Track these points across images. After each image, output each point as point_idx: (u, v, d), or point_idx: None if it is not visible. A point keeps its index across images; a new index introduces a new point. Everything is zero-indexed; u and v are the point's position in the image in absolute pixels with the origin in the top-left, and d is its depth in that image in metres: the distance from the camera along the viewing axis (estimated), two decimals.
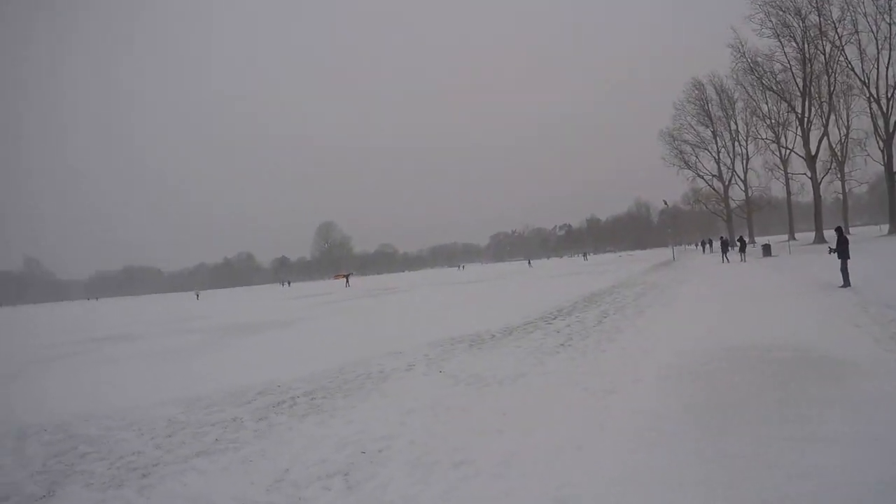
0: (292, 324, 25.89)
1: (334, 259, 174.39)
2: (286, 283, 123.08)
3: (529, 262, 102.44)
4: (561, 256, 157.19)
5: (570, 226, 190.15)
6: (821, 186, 62.02)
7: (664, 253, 72.43)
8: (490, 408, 8.50)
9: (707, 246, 71.70)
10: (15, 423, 10.14)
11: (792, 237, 70.69)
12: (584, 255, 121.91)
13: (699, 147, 79.65)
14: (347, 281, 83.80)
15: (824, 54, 58.49)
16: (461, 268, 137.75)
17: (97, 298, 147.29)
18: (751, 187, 76.63)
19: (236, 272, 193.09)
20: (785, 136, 68.95)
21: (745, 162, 77.07)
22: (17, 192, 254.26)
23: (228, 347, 19.31)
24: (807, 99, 61.04)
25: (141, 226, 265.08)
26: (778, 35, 60.70)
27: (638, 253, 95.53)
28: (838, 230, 19.39)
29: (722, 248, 45.00)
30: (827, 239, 55.29)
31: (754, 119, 72.14)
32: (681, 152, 79.95)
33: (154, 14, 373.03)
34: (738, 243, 44.20)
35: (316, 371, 12.67)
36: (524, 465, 6.09)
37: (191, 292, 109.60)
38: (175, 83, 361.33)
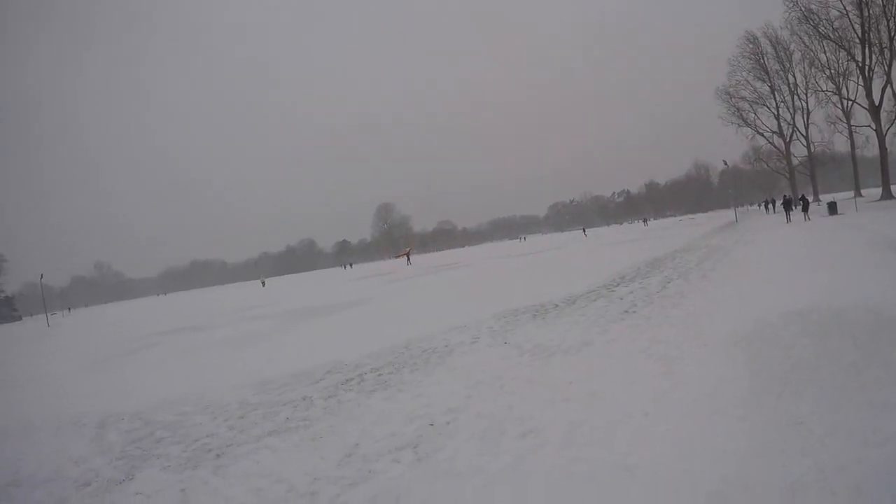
0: (356, 304, 26.31)
1: (394, 239, 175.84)
2: (348, 266, 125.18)
3: (584, 231, 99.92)
4: (620, 223, 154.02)
5: (628, 191, 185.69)
6: (886, 139, 58.12)
7: (726, 215, 69.98)
8: (555, 377, 8.44)
9: (770, 206, 68.80)
10: (94, 413, 10.67)
11: (858, 194, 66.47)
12: (644, 220, 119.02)
13: (757, 103, 75.81)
14: (409, 259, 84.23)
15: None
16: (522, 239, 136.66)
17: (164, 294, 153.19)
18: (813, 143, 72.27)
19: (299, 258, 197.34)
20: (846, 87, 63.94)
21: (805, 116, 72.75)
22: (84, 199, 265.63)
23: (296, 330, 19.82)
24: (866, 46, 56.72)
25: (204, 222, 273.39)
26: None
27: (699, 216, 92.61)
28: None
29: (785, 208, 43.05)
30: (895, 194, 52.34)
31: (813, 70, 67.52)
32: (738, 110, 76.38)
33: None
34: (801, 202, 42.18)
35: (382, 348, 12.85)
36: (591, 433, 6.02)
37: (255, 281, 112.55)
38: (231, 85, 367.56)
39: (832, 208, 41.08)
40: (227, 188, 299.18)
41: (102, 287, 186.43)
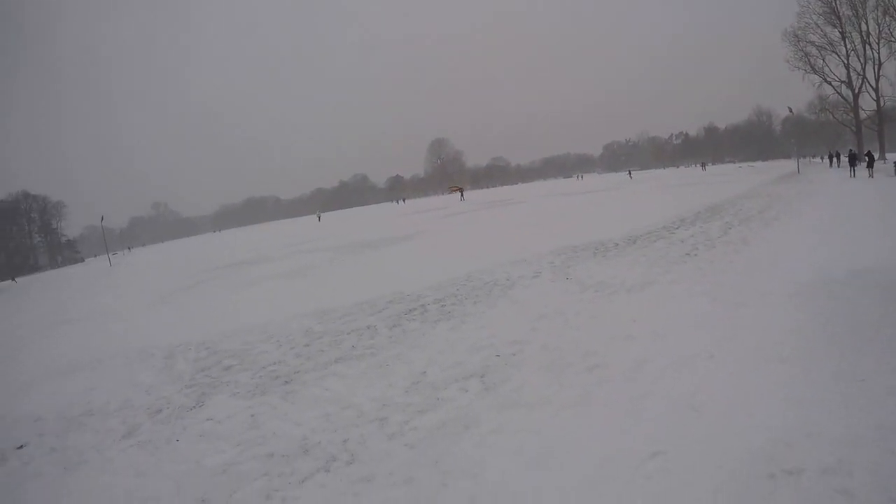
0: (412, 237, 26.54)
1: (447, 174, 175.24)
2: (400, 201, 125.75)
3: (630, 174, 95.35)
4: (677, 166, 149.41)
5: (686, 134, 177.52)
6: None
7: (787, 165, 66.47)
8: (619, 314, 8.39)
9: (835, 159, 65.00)
10: (161, 344, 11.16)
11: None
12: (703, 164, 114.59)
13: (826, 49, 70.18)
14: (462, 195, 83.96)
15: None
16: (580, 177, 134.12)
17: (219, 231, 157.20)
18: (883, 96, 67.19)
19: (352, 194, 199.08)
20: None
21: (876, 68, 67.16)
22: (141, 143, 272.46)
23: (353, 263, 20.22)
24: None
25: (259, 161, 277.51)
26: None
27: (759, 164, 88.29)
28: None
29: (850, 162, 40.84)
30: None
31: (887, 18, 62.12)
32: (806, 55, 70.93)
33: None
34: (866, 157, 39.69)
35: (443, 280, 12.98)
36: (656, 371, 6.00)
37: (310, 216, 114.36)
38: (283, 27, 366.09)
39: None
40: (281, 127, 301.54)
41: (160, 226, 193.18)
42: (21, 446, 6.77)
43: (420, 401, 6.17)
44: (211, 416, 6.79)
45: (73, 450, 6.45)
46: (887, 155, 67.32)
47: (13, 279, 56.27)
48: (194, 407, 7.25)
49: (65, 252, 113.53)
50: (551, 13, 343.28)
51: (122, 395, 8.25)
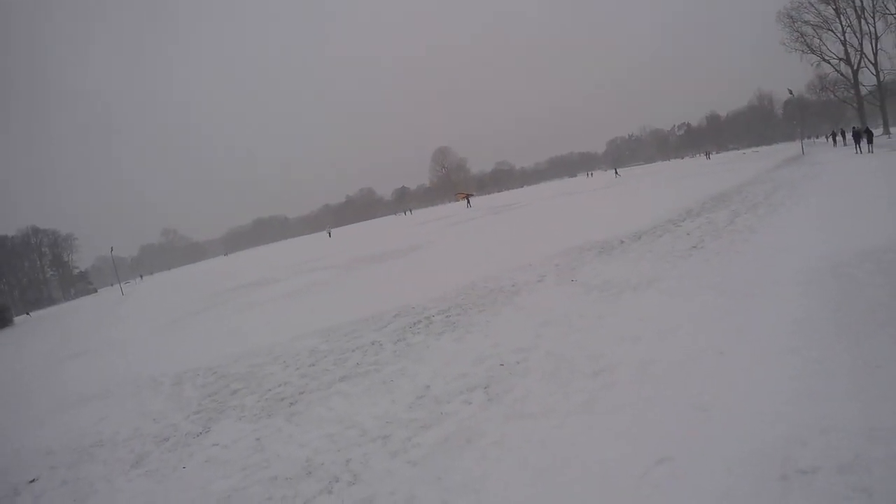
0: (418, 248, 26.53)
1: (452, 182, 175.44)
2: (407, 212, 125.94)
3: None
4: (682, 157, 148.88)
5: (688, 124, 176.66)
6: None
7: (792, 147, 65.91)
8: (625, 314, 8.29)
9: (841, 138, 64.42)
10: (170, 372, 11.21)
11: None
12: (707, 154, 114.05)
13: (822, 27, 69.44)
14: (468, 202, 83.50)
15: None
16: (590, 175, 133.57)
17: (226, 255, 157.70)
18: (882, 70, 66.74)
19: (358, 208, 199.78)
20: None
21: (874, 42, 66.92)
22: (147, 172, 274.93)
23: (359, 278, 20.21)
24: None
25: (265, 181, 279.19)
26: None
27: (763, 149, 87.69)
28: None
29: (855, 139, 40.76)
30: None
31: None
32: (801, 35, 70.32)
33: None
34: (865, 134, 39.53)
35: (448, 290, 12.92)
36: (663, 371, 5.90)
37: (317, 234, 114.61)
38: (283, 39, 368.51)
39: None
40: (285, 146, 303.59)
41: (171, 252, 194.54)
42: (33, 480, 6.84)
43: (423, 416, 6.10)
44: (217, 442, 6.79)
45: (83, 481, 6.51)
46: (892, 129, 66.80)
47: (27, 313, 56.76)
48: (201, 433, 7.25)
49: (77, 284, 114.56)
50: (545, 12, 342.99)
51: (131, 424, 8.29)
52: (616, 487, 4.09)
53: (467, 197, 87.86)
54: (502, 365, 7.21)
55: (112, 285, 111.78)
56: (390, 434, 5.82)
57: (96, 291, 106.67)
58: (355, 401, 7.08)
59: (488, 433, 5.37)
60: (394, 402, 6.73)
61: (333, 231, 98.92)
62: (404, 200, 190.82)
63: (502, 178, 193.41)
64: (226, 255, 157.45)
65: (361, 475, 5.09)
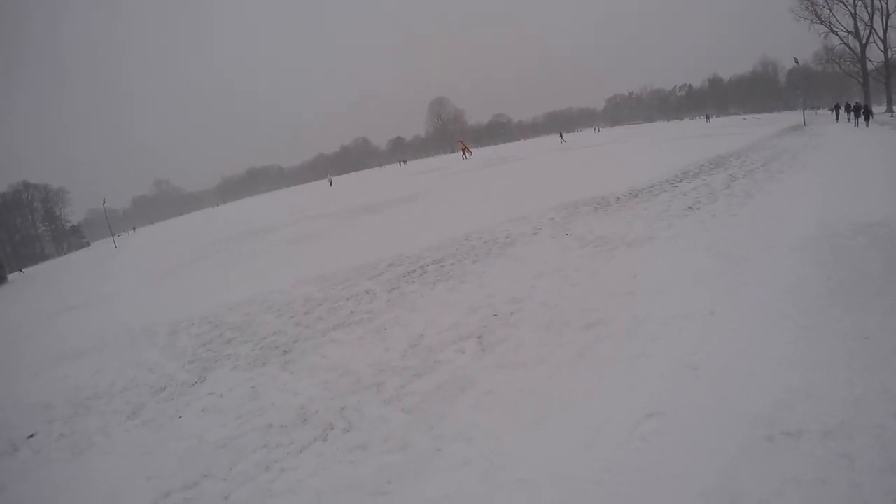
0: (413, 199, 26.39)
1: (449, 134, 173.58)
2: (402, 163, 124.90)
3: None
4: (682, 119, 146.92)
5: (690, 86, 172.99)
6: None
7: (793, 117, 64.84)
8: (619, 270, 8.30)
9: (844, 112, 63.64)
10: (165, 321, 11.21)
11: None
12: (707, 117, 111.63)
13: None
14: (464, 153, 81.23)
15: None
16: (597, 130, 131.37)
17: (218, 205, 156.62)
18: (891, 48, 64.91)
19: (354, 158, 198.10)
20: None
21: (884, 18, 65.38)
22: (137, 122, 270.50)
23: (354, 227, 20.18)
24: None
25: (257, 129, 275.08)
26: None
27: (764, 116, 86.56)
28: None
29: (855, 114, 40.62)
30: None
31: None
32: (812, 3, 68.99)
33: None
34: (863, 111, 39.26)
35: (443, 240, 12.92)
36: (656, 328, 5.94)
37: (315, 183, 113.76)
38: None
39: None
40: (277, 93, 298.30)
41: (164, 203, 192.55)
42: (31, 435, 6.85)
43: (417, 364, 6.16)
44: (212, 391, 6.84)
45: (80, 434, 6.53)
46: (895, 108, 65.71)
47: (21, 270, 56.61)
48: (196, 382, 7.30)
49: (70, 238, 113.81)
50: None
51: (127, 375, 8.32)
52: (606, 439, 4.15)
53: (464, 148, 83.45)
54: (496, 315, 7.25)
55: (103, 239, 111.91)
56: (384, 382, 5.88)
57: (89, 245, 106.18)
58: (349, 349, 7.13)
59: (481, 382, 5.43)
60: (387, 350, 6.79)
61: (335, 179, 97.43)
62: (400, 151, 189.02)
63: (499, 131, 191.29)
64: (214, 206, 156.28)
65: (355, 422, 5.16)
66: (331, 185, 78.95)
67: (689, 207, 12.12)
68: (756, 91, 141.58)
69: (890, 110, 63.71)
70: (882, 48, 66.37)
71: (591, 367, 5.33)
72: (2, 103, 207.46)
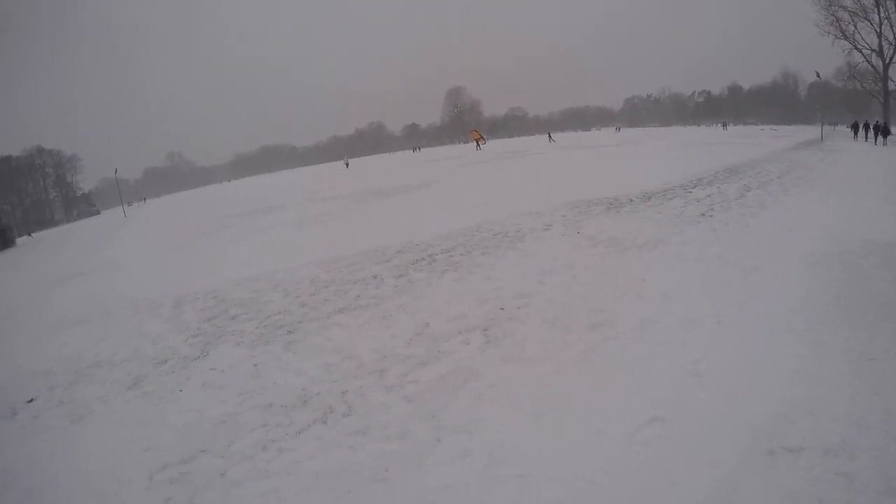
0: (426, 186, 26.29)
1: (464, 123, 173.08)
2: (416, 149, 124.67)
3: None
4: (699, 125, 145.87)
5: (709, 92, 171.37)
6: None
7: (811, 131, 64.34)
8: (629, 272, 8.29)
9: (863, 131, 62.97)
10: (170, 294, 11.20)
11: None
12: (724, 124, 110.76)
13: (858, 15, 66.69)
14: (478, 144, 79.56)
15: None
16: (617, 130, 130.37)
17: (228, 181, 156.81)
18: None
19: (367, 142, 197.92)
20: None
21: None
22: (153, 94, 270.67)
23: (367, 210, 20.11)
24: None
25: (273, 106, 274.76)
26: None
27: (782, 128, 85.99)
28: None
29: (875, 133, 40.40)
30: None
31: None
32: (837, 19, 68.14)
33: None
34: (882, 129, 39.03)
35: (453, 229, 12.86)
36: (662, 332, 5.94)
37: (329, 164, 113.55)
38: None
39: None
40: (295, 72, 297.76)
41: (175, 176, 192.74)
42: (31, 400, 6.87)
43: (421, 353, 6.17)
44: (214, 366, 6.85)
45: (80, 402, 6.54)
46: None
47: (30, 234, 57.06)
48: (199, 357, 7.31)
49: (80, 206, 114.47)
50: None
51: (129, 345, 8.31)
52: (607, 440, 4.16)
53: (478, 140, 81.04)
54: (503, 308, 7.25)
55: (113, 208, 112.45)
56: (387, 368, 5.89)
57: (99, 213, 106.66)
58: (354, 333, 7.13)
59: (485, 375, 5.43)
60: (392, 336, 6.79)
61: (336, 163, 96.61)
62: (414, 137, 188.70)
63: (515, 124, 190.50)
64: (226, 181, 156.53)
65: (356, 407, 5.17)
66: (347, 166, 78.42)
67: (702, 214, 12.08)
68: (775, 102, 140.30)
69: None
70: None
71: (596, 367, 5.33)
72: (20, 71, 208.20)
